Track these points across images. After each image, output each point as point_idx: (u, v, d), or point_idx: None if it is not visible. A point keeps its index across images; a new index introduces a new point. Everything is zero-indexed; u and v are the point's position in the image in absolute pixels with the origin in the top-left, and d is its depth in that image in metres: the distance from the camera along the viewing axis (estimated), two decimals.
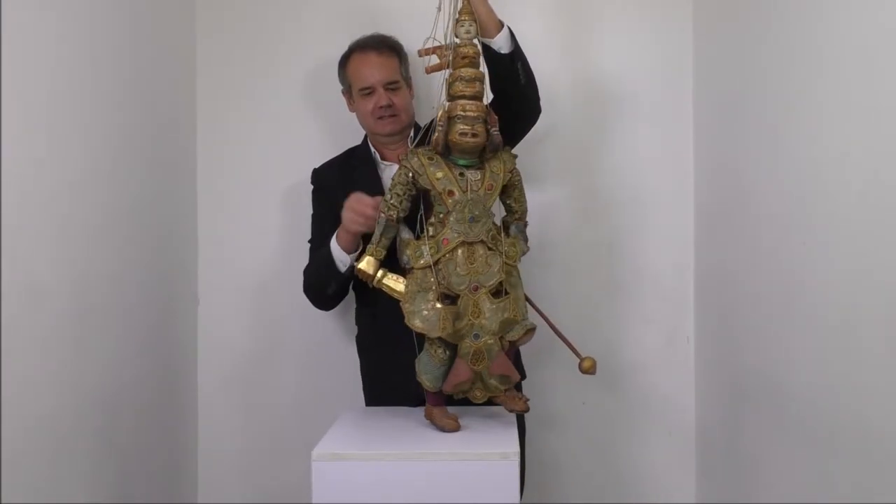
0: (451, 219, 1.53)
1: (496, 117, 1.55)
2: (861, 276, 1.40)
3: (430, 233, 1.56)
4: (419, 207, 1.61)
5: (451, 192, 1.53)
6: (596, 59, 2.35)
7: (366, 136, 2.06)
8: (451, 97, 1.54)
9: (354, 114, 2.05)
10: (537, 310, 1.75)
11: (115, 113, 1.94)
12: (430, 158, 1.55)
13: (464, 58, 1.53)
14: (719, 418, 2.17)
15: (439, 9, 1.58)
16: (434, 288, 1.52)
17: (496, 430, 1.59)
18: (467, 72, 1.52)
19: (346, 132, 2.14)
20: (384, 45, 1.98)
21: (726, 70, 2.10)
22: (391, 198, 1.57)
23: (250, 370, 2.40)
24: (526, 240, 1.67)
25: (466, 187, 1.53)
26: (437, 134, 1.53)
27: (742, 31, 1.98)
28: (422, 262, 1.53)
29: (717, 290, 2.19)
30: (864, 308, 1.39)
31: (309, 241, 2.04)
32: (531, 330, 1.59)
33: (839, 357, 1.48)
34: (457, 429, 1.56)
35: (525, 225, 1.70)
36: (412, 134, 1.97)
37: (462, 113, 1.50)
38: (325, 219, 1.96)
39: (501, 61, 1.72)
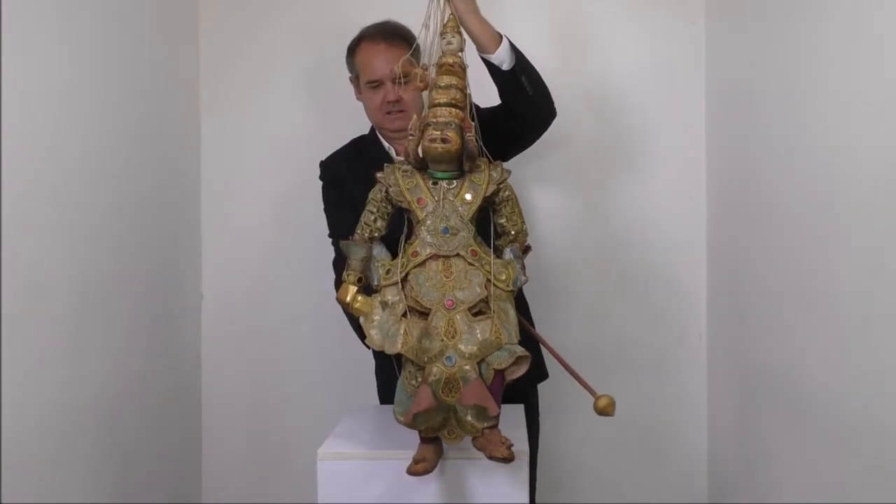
0: (423, 230, 1.37)
1: (472, 123, 1.39)
2: (877, 272, 1.38)
3: (405, 249, 1.40)
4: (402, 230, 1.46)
5: (420, 200, 1.39)
6: (606, 57, 2.33)
7: (373, 127, 2.00)
8: (430, 106, 1.42)
9: (361, 102, 1.98)
10: (542, 341, 1.51)
11: (118, 109, 1.93)
12: (405, 171, 1.42)
13: (441, 66, 1.42)
14: (732, 417, 2.15)
15: (425, 26, 1.51)
16: (402, 302, 1.34)
17: (506, 428, 1.54)
18: (443, 79, 1.41)
19: (351, 126, 2.10)
20: (395, 35, 1.90)
21: (738, 65, 2.09)
22: (364, 216, 1.44)
23: (255, 367, 2.39)
24: (523, 267, 1.41)
25: (440, 196, 1.39)
26: (408, 143, 1.40)
27: (754, 26, 1.96)
28: (392, 279, 1.37)
29: (729, 288, 2.16)
30: (881, 304, 1.37)
31: (329, 237, 1.95)
32: (523, 358, 1.33)
33: (854, 355, 1.46)
34: (418, 473, 1.31)
35: (525, 250, 1.45)
36: None
37: (433, 119, 1.37)
38: (343, 212, 1.86)
39: (505, 77, 1.65)
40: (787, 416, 1.75)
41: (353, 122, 2.05)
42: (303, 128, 2.36)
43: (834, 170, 1.52)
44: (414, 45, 1.91)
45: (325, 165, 2.00)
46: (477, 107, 1.80)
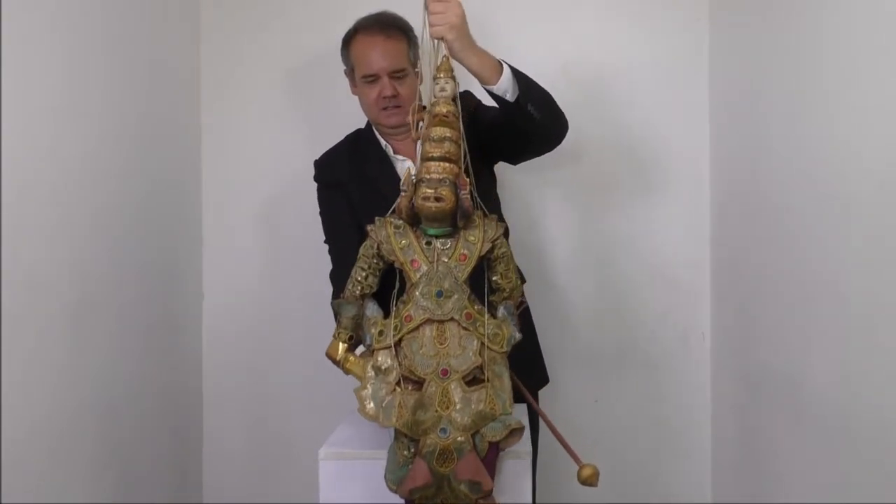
0: (417, 293, 1.34)
1: (467, 180, 1.35)
2: (881, 270, 1.37)
3: (398, 310, 1.36)
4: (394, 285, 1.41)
5: (414, 262, 1.35)
6: (608, 55, 2.32)
7: (369, 122, 1.95)
8: (422, 159, 1.37)
9: (357, 96, 1.92)
10: (532, 404, 1.51)
11: (118, 109, 1.92)
12: (398, 227, 1.39)
13: (434, 116, 1.36)
14: (735, 416, 2.14)
15: (419, 71, 1.47)
16: (395, 370, 1.32)
17: None
18: (436, 131, 1.34)
19: (353, 126, 2.09)
20: (392, 27, 1.83)
21: (742, 63, 2.08)
22: (355, 272, 1.42)
23: (256, 367, 2.38)
24: (517, 326, 1.39)
25: (434, 257, 1.35)
26: (401, 199, 1.36)
27: (758, 24, 1.95)
28: (385, 342, 1.34)
29: (733, 286, 2.15)
30: (885, 304, 1.36)
31: (325, 242, 1.90)
32: (517, 430, 1.32)
33: (858, 353, 1.45)
34: None
35: (518, 306, 1.43)
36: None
37: (427, 175, 1.33)
38: (343, 212, 1.84)
39: (510, 107, 1.59)
40: (791, 416, 1.75)
41: (355, 121, 2.04)
42: (303, 128, 2.34)
43: (838, 168, 1.51)
44: (412, 36, 1.84)
45: (320, 165, 1.94)
46: (478, 104, 1.79)
